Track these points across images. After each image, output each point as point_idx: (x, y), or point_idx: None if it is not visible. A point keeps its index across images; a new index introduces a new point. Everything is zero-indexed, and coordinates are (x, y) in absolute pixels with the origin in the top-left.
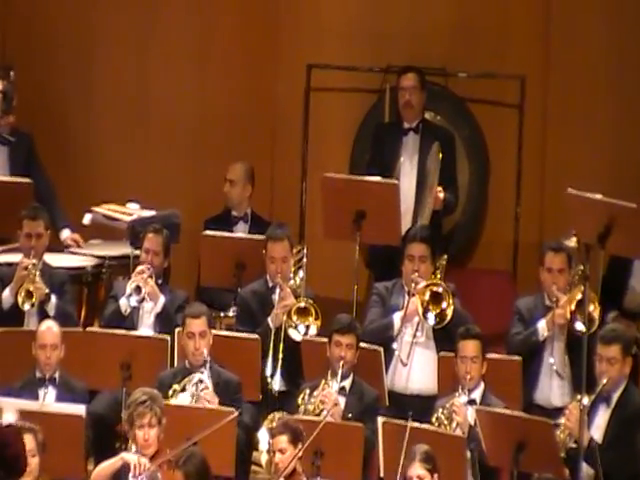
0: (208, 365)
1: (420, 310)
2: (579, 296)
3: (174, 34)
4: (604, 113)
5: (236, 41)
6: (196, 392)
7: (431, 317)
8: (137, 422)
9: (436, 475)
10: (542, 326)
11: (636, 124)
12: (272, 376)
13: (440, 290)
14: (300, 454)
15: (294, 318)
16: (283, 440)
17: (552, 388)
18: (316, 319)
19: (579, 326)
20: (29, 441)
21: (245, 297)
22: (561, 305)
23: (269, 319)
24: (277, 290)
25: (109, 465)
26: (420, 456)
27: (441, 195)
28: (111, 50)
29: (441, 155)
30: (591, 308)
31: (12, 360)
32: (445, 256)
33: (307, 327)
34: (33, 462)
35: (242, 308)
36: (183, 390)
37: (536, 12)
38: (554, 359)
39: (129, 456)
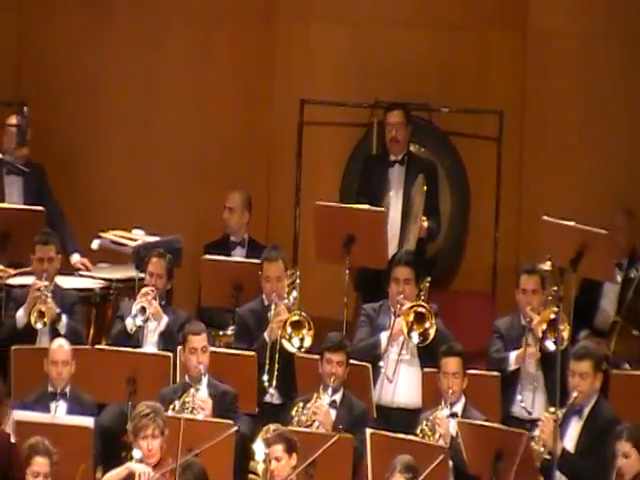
0: (205, 379)
1: (405, 330)
2: (552, 316)
3: (175, 74)
4: (577, 145)
5: (233, 78)
6: (192, 402)
7: (415, 336)
8: (141, 433)
9: None
10: (512, 358)
11: (606, 155)
12: (269, 381)
13: (423, 311)
14: (295, 464)
15: (289, 331)
16: (279, 449)
17: (528, 402)
18: (309, 330)
19: (549, 345)
20: (44, 465)
21: (243, 316)
22: (533, 344)
23: (265, 334)
24: (272, 307)
25: (116, 474)
26: (400, 467)
27: (425, 224)
28: (115, 89)
29: (425, 187)
30: (561, 327)
31: (26, 376)
32: (428, 279)
33: (301, 340)
34: None
35: (240, 326)
36: (183, 405)
37: (513, 52)
38: (521, 396)
39: (134, 466)
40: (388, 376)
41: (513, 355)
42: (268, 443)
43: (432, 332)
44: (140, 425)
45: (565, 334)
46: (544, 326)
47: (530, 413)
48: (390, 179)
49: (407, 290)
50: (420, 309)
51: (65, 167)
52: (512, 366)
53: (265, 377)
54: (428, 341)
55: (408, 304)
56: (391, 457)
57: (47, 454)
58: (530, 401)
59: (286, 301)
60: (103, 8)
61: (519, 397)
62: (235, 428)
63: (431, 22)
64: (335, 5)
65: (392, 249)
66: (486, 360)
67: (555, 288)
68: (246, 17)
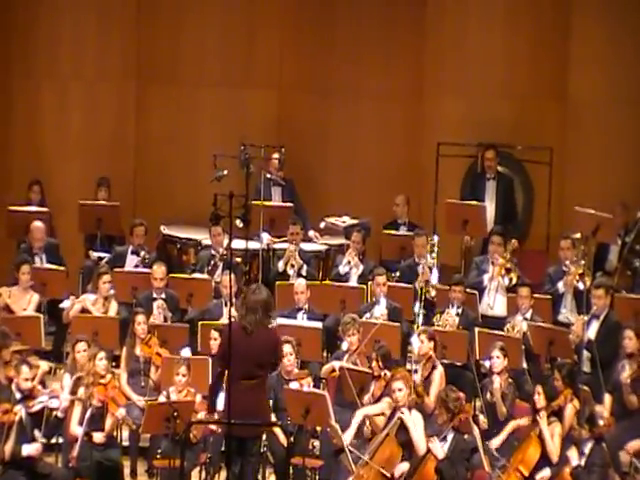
0: (384, 300)
1: (498, 274)
2: (580, 270)
3: (370, 129)
4: (597, 168)
5: (401, 131)
6: (375, 314)
7: (506, 280)
8: (346, 333)
9: (507, 358)
10: (560, 285)
11: (612, 172)
12: (418, 309)
13: (509, 266)
14: (433, 346)
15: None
16: (425, 342)
17: (567, 313)
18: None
19: (580, 285)
20: (290, 348)
21: (403, 268)
22: (571, 273)
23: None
24: (421, 263)
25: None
26: (498, 347)
27: None
28: (334, 136)
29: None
30: (586, 279)
31: (284, 299)
32: (513, 241)
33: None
34: (293, 359)
35: (402, 272)
36: (371, 315)
37: (559, 112)
38: (565, 309)
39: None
40: (489, 305)
41: (561, 283)
42: (419, 338)
43: (515, 279)
44: (344, 328)
45: (587, 280)
46: (577, 277)
47: (569, 320)
48: (487, 188)
49: (498, 249)
50: (508, 265)
51: (304, 181)
52: (561, 290)
53: (416, 309)
54: (512, 284)
55: (501, 260)
56: (490, 343)
57: (289, 342)
58: (569, 312)
59: (429, 259)
60: (328, 97)
61: (563, 310)
62: (398, 325)
63: (509, 94)
64: (456, 85)
65: (489, 226)
66: (542, 288)
67: (582, 247)
68: (410, 95)
